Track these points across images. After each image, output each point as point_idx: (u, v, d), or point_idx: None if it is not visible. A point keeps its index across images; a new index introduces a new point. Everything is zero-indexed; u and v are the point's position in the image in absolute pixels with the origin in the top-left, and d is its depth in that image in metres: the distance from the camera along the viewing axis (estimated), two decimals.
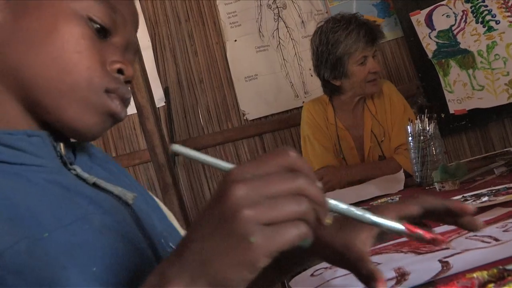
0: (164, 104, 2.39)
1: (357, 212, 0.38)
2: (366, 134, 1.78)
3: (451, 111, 2.18)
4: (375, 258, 0.70)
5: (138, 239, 0.51)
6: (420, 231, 0.39)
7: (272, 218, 0.33)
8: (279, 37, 2.38)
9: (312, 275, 0.73)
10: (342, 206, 0.38)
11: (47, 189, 0.46)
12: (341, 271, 0.68)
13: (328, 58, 1.67)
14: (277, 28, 2.39)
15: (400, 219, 0.47)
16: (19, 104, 0.50)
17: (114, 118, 0.53)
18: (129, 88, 0.56)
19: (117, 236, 0.48)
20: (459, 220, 0.48)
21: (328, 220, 0.35)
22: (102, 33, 0.52)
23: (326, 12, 2.38)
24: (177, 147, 0.38)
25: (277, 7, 2.39)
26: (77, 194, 0.48)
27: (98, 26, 0.51)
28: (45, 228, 0.42)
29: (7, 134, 0.47)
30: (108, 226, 0.48)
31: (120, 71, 0.53)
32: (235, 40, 2.38)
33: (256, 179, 0.34)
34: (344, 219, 0.47)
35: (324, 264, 0.76)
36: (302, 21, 2.39)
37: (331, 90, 1.78)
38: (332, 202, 0.38)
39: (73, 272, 0.41)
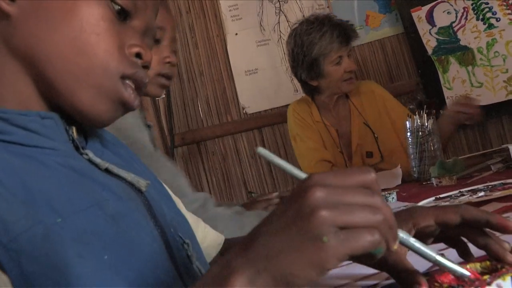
0: (163, 96, 2.39)
1: (425, 249, 0.38)
2: (353, 132, 1.81)
3: None
4: None
5: (150, 228, 0.50)
6: (481, 278, 0.39)
7: (348, 222, 0.33)
8: (280, 31, 2.38)
9: None
10: (411, 240, 0.38)
11: (60, 173, 0.46)
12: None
13: (304, 60, 1.71)
14: (278, 22, 2.39)
15: (437, 225, 0.49)
16: (33, 84, 0.49)
17: (126, 107, 0.52)
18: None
19: (129, 223, 0.47)
20: (492, 243, 0.46)
21: (395, 246, 0.35)
22: (122, 15, 0.51)
23: (328, 7, 2.38)
24: (263, 151, 0.40)
25: (278, 1, 2.38)
26: (90, 179, 0.48)
27: (119, 7, 0.50)
28: (58, 213, 0.42)
29: (20, 115, 0.46)
30: (121, 213, 0.47)
31: (138, 55, 0.52)
32: (236, 34, 2.38)
33: (336, 187, 0.34)
34: None
35: None
36: (304, 16, 2.39)
37: (309, 90, 1.82)
38: (401, 233, 0.38)
39: (86, 259, 0.41)
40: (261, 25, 2.38)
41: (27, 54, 0.48)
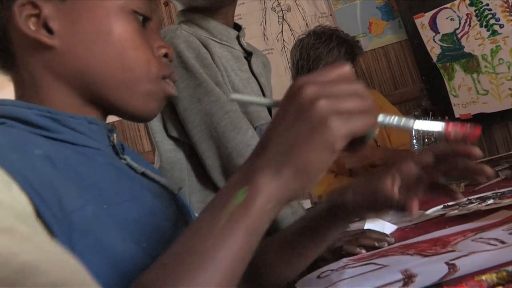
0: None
1: (403, 119, 0.42)
2: None
3: (457, 116, 2.18)
4: (381, 261, 0.70)
5: (181, 225, 0.56)
6: (454, 126, 0.43)
7: (344, 108, 0.38)
8: (283, 40, 2.39)
9: (319, 277, 0.73)
10: (387, 119, 0.42)
11: (105, 168, 0.50)
12: (348, 273, 0.68)
13: (308, 74, 1.70)
14: (282, 31, 2.40)
15: (417, 167, 0.58)
16: (80, 97, 0.53)
17: (168, 98, 0.59)
18: None
19: (165, 218, 0.52)
20: (470, 163, 0.55)
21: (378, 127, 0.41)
22: (144, 22, 0.56)
23: (330, 15, 2.39)
24: (236, 96, 0.45)
25: (281, 9, 2.40)
26: (130, 178, 0.53)
27: (141, 16, 0.55)
28: (105, 200, 0.45)
29: (70, 117, 0.50)
30: (157, 208, 0.52)
31: (165, 55, 0.58)
32: None
33: (323, 82, 0.39)
34: (371, 176, 0.59)
35: (331, 266, 0.76)
36: (306, 24, 2.40)
37: None
38: (380, 117, 0.42)
39: (127, 244, 0.44)
40: (264, 34, 2.39)
41: (77, 77, 0.52)
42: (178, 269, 0.37)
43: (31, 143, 0.44)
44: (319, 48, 1.69)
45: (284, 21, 2.40)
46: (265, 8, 2.38)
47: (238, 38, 1.03)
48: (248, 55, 1.05)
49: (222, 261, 0.37)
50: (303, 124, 0.37)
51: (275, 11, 2.39)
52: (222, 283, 0.37)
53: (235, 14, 1.09)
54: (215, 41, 1.00)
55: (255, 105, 0.46)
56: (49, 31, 0.50)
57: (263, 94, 1.05)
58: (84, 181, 0.45)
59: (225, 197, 0.39)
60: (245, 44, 1.04)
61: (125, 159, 0.56)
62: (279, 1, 2.40)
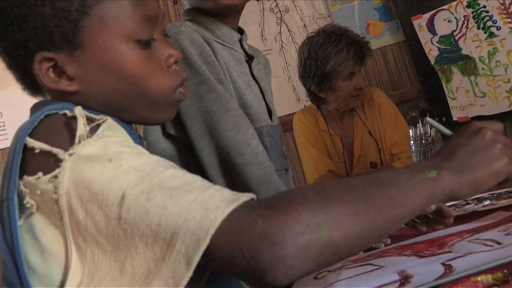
0: None
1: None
2: (356, 142, 1.80)
3: (455, 119, 2.18)
4: (378, 261, 0.70)
5: None
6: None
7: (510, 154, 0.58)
8: (281, 41, 2.40)
9: (315, 277, 0.73)
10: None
11: None
12: (345, 274, 0.69)
13: (316, 73, 1.70)
14: (280, 32, 2.40)
15: None
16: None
17: (181, 102, 0.67)
18: None
19: None
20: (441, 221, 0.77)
21: None
22: (147, 43, 0.61)
23: (328, 16, 2.40)
24: (430, 120, 0.69)
25: (279, 10, 2.40)
26: None
27: (144, 41, 0.60)
28: None
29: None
30: None
31: (175, 62, 0.64)
32: None
33: (495, 131, 0.60)
34: None
35: (328, 267, 0.76)
36: (304, 25, 2.40)
37: (316, 100, 1.81)
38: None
39: None
40: (262, 35, 2.40)
41: (103, 108, 0.59)
42: (370, 194, 0.47)
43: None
44: (328, 48, 1.67)
45: (282, 22, 2.41)
46: (263, 9, 2.39)
47: (240, 41, 1.04)
48: (249, 58, 1.06)
49: (404, 206, 0.48)
50: (485, 155, 0.57)
51: (273, 12, 2.40)
52: (389, 223, 0.47)
53: None
54: (217, 42, 1.01)
55: (440, 131, 0.69)
56: (68, 77, 0.57)
57: (263, 98, 1.05)
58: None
59: (419, 169, 0.53)
60: (247, 47, 1.04)
61: None
62: (277, 2, 2.41)
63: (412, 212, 0.50)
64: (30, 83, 0.61)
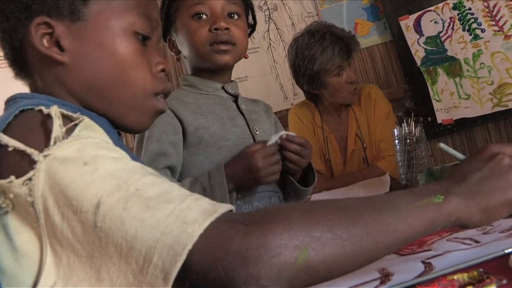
0: None
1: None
2: (350, 137, 1.82)
3: (439, 121, 2.20)
4: None
5: None
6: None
7: None
8: (270, 39, 2.40)
9: None
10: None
11: None
12: None
13: (305, 73, 1.72)
14: (268, 30, 2.40)
15: None
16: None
17: (160, 113, 0.65)
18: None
19: None
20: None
21: None
22: (145, 40, 0.62)
23: (317, 15, 2.40)
24: (444, 146, 0.64)
25: (268, 8, 2.40)
26: None
27: (142, 36, 0.61)
28: None
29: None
30: None
31: (163, 70, 0.64)
32: None
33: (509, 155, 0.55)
34: None
35: None
36: (293, 23, 2.41)
37: (311, 97, 1.82)
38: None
39: None
40: None
41: (82, 91, 0.59)
42: (359, 218, 0.45)
43: None
44: (313, 48, 1.67)
45: (270, 20, 2.41)
46: None
47: (223, 87, 1.12)
48: (235, 98, 1.14)
49: (397, 232, 0.46)
50: (500, 182, 0.52)
51: (261, 10, 2.40)
52: (379, 249, 0.45)
53: None
54: (202, 93, 1.11)
55: (454, 157, 0.65)
56: (60, 48, 0.57)
57: (249, 128, 1.11)
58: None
59: (424, 193, 0.50)
60: (231, 90, 1.13)
61: None
62: (266, 0, 2.41)
63: (407, 239, 0.47)
64: (18, 57, 0.59)
